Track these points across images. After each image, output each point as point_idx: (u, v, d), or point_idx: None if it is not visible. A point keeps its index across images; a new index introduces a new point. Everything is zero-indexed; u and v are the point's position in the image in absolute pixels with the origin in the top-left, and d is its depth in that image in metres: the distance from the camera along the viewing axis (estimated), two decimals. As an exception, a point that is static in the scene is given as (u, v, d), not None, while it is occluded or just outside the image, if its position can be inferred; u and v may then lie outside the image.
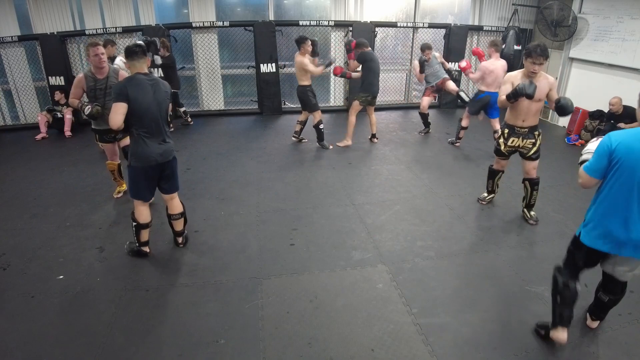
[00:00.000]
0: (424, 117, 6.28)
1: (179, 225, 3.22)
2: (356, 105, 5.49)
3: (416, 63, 5.87)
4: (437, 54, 6.04)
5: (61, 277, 2.92)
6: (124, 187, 4.14)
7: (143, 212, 3.00)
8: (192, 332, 2.42)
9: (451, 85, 5.93)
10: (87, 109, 3.42)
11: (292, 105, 7.59)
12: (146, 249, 3.13)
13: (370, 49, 5.47)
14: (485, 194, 4.05)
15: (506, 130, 3.57)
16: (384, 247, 3.28)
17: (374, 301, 2.68)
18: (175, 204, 3.15)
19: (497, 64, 5.22)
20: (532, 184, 3.62)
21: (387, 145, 5.76)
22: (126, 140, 3.75)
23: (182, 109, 6.66)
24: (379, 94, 5.70)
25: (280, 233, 3.50)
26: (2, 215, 3.86)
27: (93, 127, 3.79)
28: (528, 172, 3.62)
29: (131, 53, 2.75)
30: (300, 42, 5.15)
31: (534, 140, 3.49)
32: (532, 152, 3.52)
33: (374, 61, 5.32)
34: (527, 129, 3.46)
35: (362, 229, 3.58)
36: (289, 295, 2.73)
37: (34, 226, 3.64)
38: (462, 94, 5.86)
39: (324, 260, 3.13)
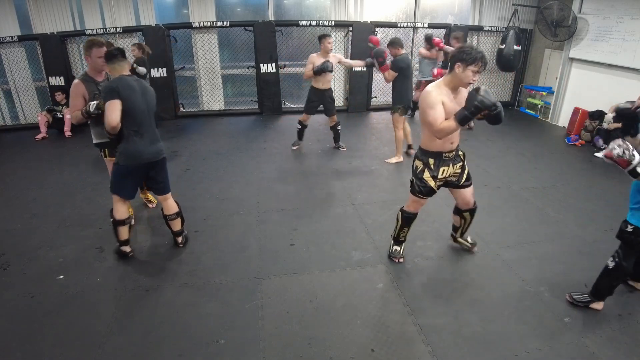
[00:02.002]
0: (414, 104, 6.39)
1: (176, 225, 3.22)
2: (397, 118, 4.98)
3: (422, 50, 6.50)
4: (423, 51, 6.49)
5: (61, 277, 2.92)
6: (149, 195, 3.98)
7: (120, 209, 2.98)
8: (192, 332, 2.42)
9: None
10: (93, 106, 2.87)
11: (292, 106, 7.59)
12: (126, 248, 3.11)
13: (403, 50, 4.82)
14: (398, 248, 3.08)
15: (431, 161, 2.70)
16: (384, 247, 3.28)
17: (374, 301, 2.68)
18: (170, 204, 3.17)
19: None
20: (473, 212, 3.01)
21: (387, 145, 5.76)
22: None
23: None
24: (380, 95, 5.67)
25: (280, 233, 3.50)
26: (2, 215, 3.86)
27: (97, 141, 3.19)
28: (467, 201, 2.94)
29: (112, 56, 2.76)
30: (321, 38, 4.96)
31: (461, 163, 2.83)
32: (465, 176, 2.86)
33: (409, 67, 4.83)
34: (454, 152, 2.76)
35: (362, 229, 3.58)
36: (289, 295, 2.73)
37: (34, 226, 3.64)
38: None
39: (324, 260, 3.13)
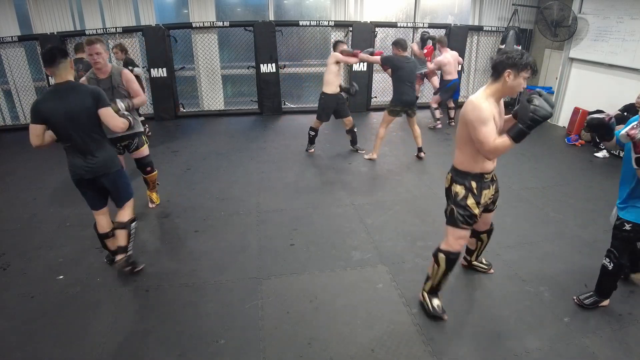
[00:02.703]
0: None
1: (119, 237, 2.83)
2: (385, 116, 4.97)
3: (414, 46, 6.81)
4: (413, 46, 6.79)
5: (61, 277, 2.92)
6: (154, 194, 4.00)
7: (98, 222, 2.83)
8: (192, 332, 2.42)
9: (435, 82, 6.77)
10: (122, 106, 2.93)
11: (292, 106, 7.60)
12: (118, 257, 2.85)
13: (405, 53, 4.80)
14: (439, 302, 2.54)
15: (474, 184, 2.31)
16: (384, 247, 3.28)
17: (374, 301, 2.68)
18: (122, 213, 2.86)
19: (448, 56, 6.26)
20: (490, 233, 2.82)
21: (387, 145, 5.75)
22: (141, 152, 3.60)
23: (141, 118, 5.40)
24: (380, 95, 5.67)
25: (280, 233, 3.50)
26: (2, 215, 3.86)
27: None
28: (487, 223, 2.74)
29: (50, 59, 2.41)
30: (336, 45, 5.01)
31: (496, 184, 2.48)
32: (497, 198, 2.58)
33: (404, 69, 4.75)
34: (493, 172, 2.42)
35: (362, 229, 3.58)
36: (289, 295, 2.73)
37: (34, 226, 3.64)
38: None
39: (324, 260, 3.13)
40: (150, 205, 3.96)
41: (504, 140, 2.09)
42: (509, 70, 2.08)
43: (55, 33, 6.44)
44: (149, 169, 3.74)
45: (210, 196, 4.19)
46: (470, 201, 2.32)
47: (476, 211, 2.34)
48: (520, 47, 6.96)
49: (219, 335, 2.39)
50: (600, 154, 5.60)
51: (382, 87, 7.69)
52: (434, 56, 6.60)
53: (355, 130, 5.43)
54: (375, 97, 7.71)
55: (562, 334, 2.41)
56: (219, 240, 3.39)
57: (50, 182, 4.59)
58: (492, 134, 2.11)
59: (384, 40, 7.59)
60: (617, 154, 5.46)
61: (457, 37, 7.44)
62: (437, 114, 6.55)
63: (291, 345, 2.32)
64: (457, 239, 2.39)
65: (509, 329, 2.44)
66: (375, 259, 3.14)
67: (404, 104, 4.88)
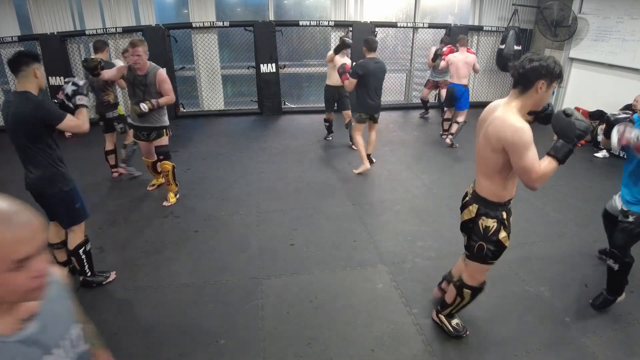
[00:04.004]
0: (425, 103, 7.15)
1: (59, 256, 2.75)
2: (355, 125, 4.78)
3: (433, 49, 6.42)
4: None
5: (61, 277, 2.91)
6: (159, 180, 4.29)
7: (49, 229, 2.66)
8: (192, 332, 2.42)
9: (443, 92, 6.38)
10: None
11: (292, 106, 7.60)
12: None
13: (373, 54, 4.46)
14: (459, 321, 2.42)
15: (504, 214, 2.02)
16: (384, 247, 3.28)
17: (374, 301, 2.68)
18: (69, 236, 2.65)
19: (458, 56, 5.57)
20: None
21: (387, 145, 5.76)
22: (160, 141, 3.79)
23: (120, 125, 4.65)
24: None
25: (280, 233, 3.50)
26: (2, 215, 3.85)
27: (129, 121, 3.85)
28: None
29: (15, 65, 2.27)
30: (339, 49, 5.14)
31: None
32: None
33: (370, 75, 4.42)
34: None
35: (362, 229, 3.58)
36: (289, 295, 2.73)
37: (34, 226, 3.63)
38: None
39: (324, 260, 3.13)
40: (164, 203, 3.97)
41: (549, 162, 1.82)
42: (542, 80, 1.78)
43: (55, 33, 6.43)
44: (161, 157, 3.85)
45: (210, 196, 4.19)
46: (502, 235, 2.02)
47: (507, 243, 2.05)
48: (520, 48, 6.97)
49: (219, 335, 2.39)
50: (600, 154, 5.60)
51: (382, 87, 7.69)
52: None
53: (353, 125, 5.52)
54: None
55: (562, 334, 2.41)
56: (219, 240, 3.39)
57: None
58: (537, 159, 1.79)
59: (383, 40, 7.60)
60: (617, 154, 5.46)
61: (457, 37, 7.43)
62: (445, 125, 5.98)
63: (291, 345, 2.33)
64: (483, 273, 2.20)
65: (509, 329, 2.44)
66: (375, 259, 3.14)
67: (370, 109, 4.59)
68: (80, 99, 2.51)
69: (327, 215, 3.82)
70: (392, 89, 7.89)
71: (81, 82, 2.56)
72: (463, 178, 4.67)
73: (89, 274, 2.75)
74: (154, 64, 3.58)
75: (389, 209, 3.92)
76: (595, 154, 5.57)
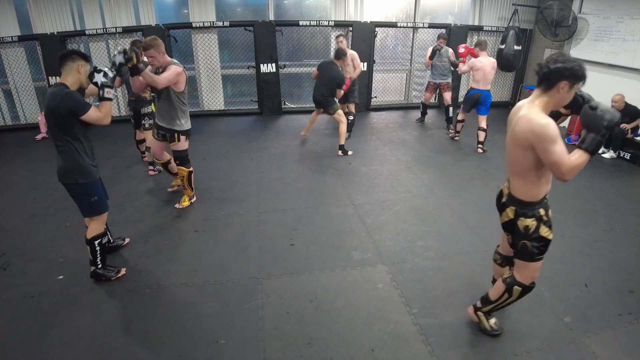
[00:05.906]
0: (424, 107, 6.94)
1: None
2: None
3: (430, 49, 6.38)
4: (451, 51, 6.25)
5: (61, 277, 2.92)
6: (178, 182, 4.16)
7: None
8: (192, 332, 2.42)
9: (447, 96, 6.44)
10: (119, 56, 2.92)
11: (292, 106, 7.60)
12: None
13: (335, 60, 5.26)
14: (496, 319, 2.44)
15: (542, 211, 2.05)
16: (384, 247, 3.28)
17: (374, 301, 2.68)
18: (88, 226, 2.83)
19: (484, 61, 5.39)
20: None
21: (387, 145, 5.76)
22: (176, 145, 3.69)
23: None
24: (380, 95, 5.75)
25: (280, 233, 3.50)
26: (2, 215, 3.86)
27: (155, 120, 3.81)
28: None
29: (59, 60, 2.53)
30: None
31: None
32: None
33: (322, 76, 5.20)
34: None
35: (362, 229, 3.58)
36: (289, 295, 2.73)
37: (34, 226, 3.64)
38: (450, 109, 6.45)
39: (324, 260, 3.13)
40: (176, 205, 3.95)
41: (579, 155, 1.86)
42: (565, 81, 1.88)
43: (55, 33, 6.43)
44: (177, 162, 3.82)
45: (210, 196, 4.19)
46: (544, 230, 2.06)
47: (551, 237, 2.08)
48: (520, 47, 6.96)
49: (219, 335, 2.40)
50: (607, 155, 5.60)
51: (382, 87, 7.69)
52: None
53: (350, 118, 5.77)
54: (375, 97, 7.70)
55: (562, 334, 2.41)
56: (219, 240, 3.39)
57: (51, 182, 4.57)
58: (566, 152, 1.85)
59: (383, 40, 7.60)
60: (622, 155, 5.48)
61: (457, 37, 7.44)
62: (458, 126, 5.97)
63: (291, 345, 2.33)
64: (535, 271, 2.18)
65: (509, 329, 2.44)
66: (375, 259, 3.14)
67: (313, 100, 5.37)
68: (108, 92, 2.62)
69: (327, 215, 3.82)
70: (392, 89, 7.90)
71: (111, 74, 2.65)
72: (463, 178, 4.68)
73: (99, 266, 2.84)
74: (174, 59, 3.55)
75: (389, 209, 3.92)
76: (603, 155, 5.57)
